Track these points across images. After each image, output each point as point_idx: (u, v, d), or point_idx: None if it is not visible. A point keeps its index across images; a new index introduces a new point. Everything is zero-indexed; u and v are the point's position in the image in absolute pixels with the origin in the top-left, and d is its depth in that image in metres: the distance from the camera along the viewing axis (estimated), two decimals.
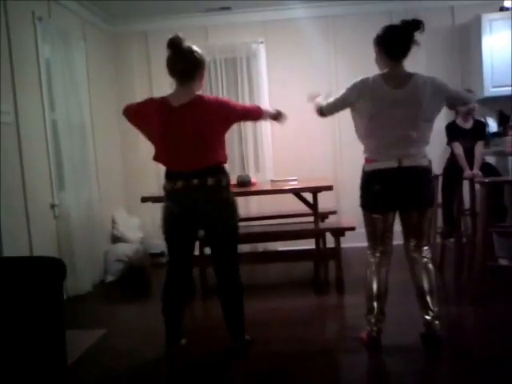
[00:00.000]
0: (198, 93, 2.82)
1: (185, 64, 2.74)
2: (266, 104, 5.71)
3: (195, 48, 2.79)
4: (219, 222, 2.84)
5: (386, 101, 2.76)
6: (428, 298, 2.86)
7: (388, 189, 2.81)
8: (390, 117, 2.77)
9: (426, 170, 2.86)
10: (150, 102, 2.83)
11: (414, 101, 2.74)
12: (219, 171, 2.81)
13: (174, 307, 2.94)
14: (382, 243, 2.92)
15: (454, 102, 3.02)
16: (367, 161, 2.88)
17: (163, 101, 2.79)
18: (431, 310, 2.85)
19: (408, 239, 2.94)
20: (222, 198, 2.82)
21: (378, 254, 2.94)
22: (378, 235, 2.92)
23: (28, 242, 3.89)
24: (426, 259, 2.91)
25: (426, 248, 2.94)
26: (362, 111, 2.83)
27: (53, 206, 4.30)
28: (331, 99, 2.96)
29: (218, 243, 2.90)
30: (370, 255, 2.98)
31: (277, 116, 3.18)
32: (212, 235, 2.90)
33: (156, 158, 2.87)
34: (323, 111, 3.02)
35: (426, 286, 2.87)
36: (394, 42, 2.78)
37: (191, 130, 2.72)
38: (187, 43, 2.77)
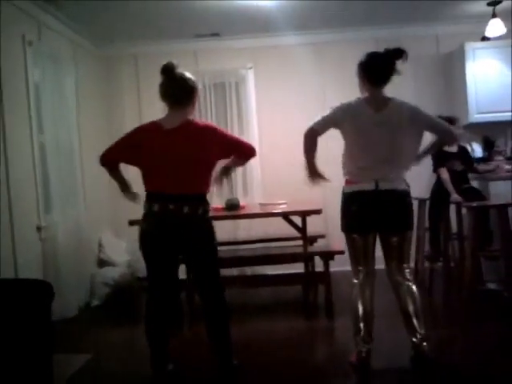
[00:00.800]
0: (189, 118, 2.84)
1: (177, 90, 2.77)
2: (254, 129, 5.77)
3: (188, 75, 2.81)
4: (196, 247, 2.81)
5: (367, 123, 2.84)
6: (414, 321, 2.85)
7: (365, 210, 2.85)
8: (370, 139, 2.83)
9: (403, 193, 2.89)
10: (140, 128, 2.86)
11: (393, 124, 2.82)
12: (197, 200, 2.78)
13: (157, 331, 2.87)
14: (365, 264, 2.95)
15: (436, 132, 2.96)
16: (346, 182, 2.94)
17: (154, 124, 2.81)
18: (418, 332, 2.84)
19: (389, 262, 2.96)
20: (197, 225, 2.78)
21: (361, 275, 2.96)
22: (359, 256, 2.95)
23: (13, 264, 3.82)
24: (408, 282, 2.92)
25: (407, 270, 2.95)
26: (347, 133, 2.89)
27: (39, 228, 4.25)
28: (318, 118, 2.94)
29: (199, 268, 2.88)
30: (353, 276, 2.99)
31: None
32: (191, 260, 2.89)
33: (145, 183, 2.84)
34: (315, 128, 2.92)
35: (411, 309, 2.87)
36: (376, 68, 2.87)
37: (181, 152, 2.72)
38: (180, 69, 2.80)
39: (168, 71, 2.77)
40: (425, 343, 2.83)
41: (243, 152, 2.91)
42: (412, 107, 2.89)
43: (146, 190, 2.82)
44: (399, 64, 2.84)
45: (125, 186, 3.02)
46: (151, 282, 2.89)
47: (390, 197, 2.84)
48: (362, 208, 2.85)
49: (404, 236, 2.91)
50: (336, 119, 2.91)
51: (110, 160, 2.92)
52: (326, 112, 2.95)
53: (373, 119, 2.83)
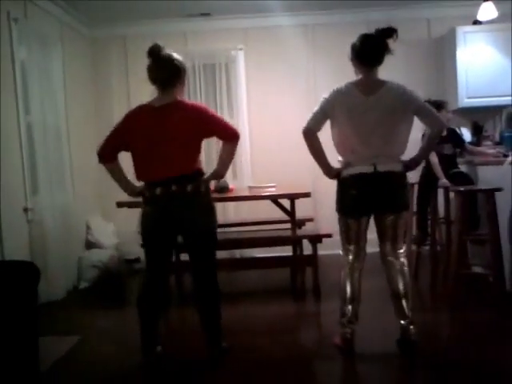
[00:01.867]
0: (179, 98, 2.83)
1: (165, 72, 2.76)
2: (243, 110, 5.73)
3: (175, 56, 2.79)
4: (198, 228, 2.81)
5: (359, 107, 2.82)
6: (403, 302, 2.88)
7: (363, 194, 2.85)
8: (364, 122, 2.82)
9: (401, 174, 2.90)
10: (128, 114, 2.84)
11: (386, 107, 2.81)
12: (198, 177, 2.80)
13: (151, 314, 2.89)
14: (356, 245, 2.96)
15: (425, 119, 2.91)
16: (344, 165, 2.92)
17: (143, 105, 2.81)
18: (406, 314, 2.87)
19: (384, 243, 2.97)
20: (200, 204, 2.80)
21: (351, 256, 2.97)
22: (352, 237, 2.96)
23: (0, 246, 3.80)
24: (401, 262, 2.94)
25: (401, 251, 2.96)
26: (338, 119, 2.87)
27: (26, 210, 4.22)
28: (311, 116, 2.92)
29: (197, 249, 2.88)
30: (343, 256, 3.01)
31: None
32: (190, 241, 2.87)
33: (137, 173, 2.82)
34: (310, 127, 2.89)
35: (401, 289, 2.89)
36: (368, 49, 2.85)
37: (171, 129, 2.71)
38: (167, 51, 2.77)
39: (155, 53, 2.75)
40: (412, 326, 2.86)
41: (226, 133, 2.84)
42: (406, 91, 2.86)
43: (143, 180, 2.81)
44: (391, 43, 2.83)
45: (127, 184, 2.93)
46: (150, 266, 2.88)
47: (387, 178, 2.84)
48: (361, 191, 2.85)
49: (399, 216, 2.91)
50: (326, 110, 2.88)
51: (107, 154, 2.85)
52: (316, 106, 2.92)
53: (362, 103, 2.81)
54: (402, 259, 2.95)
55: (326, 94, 2.91)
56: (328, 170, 2.98)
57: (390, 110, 2.81)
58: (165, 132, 2.71)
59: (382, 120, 2.81)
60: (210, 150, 5.38)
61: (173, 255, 2.95)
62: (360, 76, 2.90)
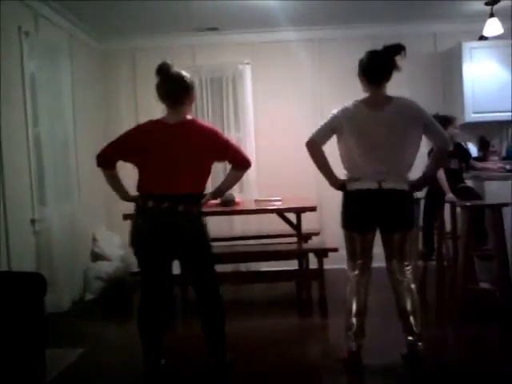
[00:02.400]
0: (189, 116, 2.85)
1: (175, 90, 2.77)
2: (250, 124, 5.76)
3: (184, 73, 2.82)
4: (191, 245, 2.81)
5: (366, 123, 2.83)
6: (411, 320, 2.86)
7: (367, 209, 2.85)
8: (371, 138, 2.82)
9: (406, 193, 2.89)
10: (140, 127, 2.85)
11: (394, 123, 2.81)
12: (193, 199, 2.78)
13: (149, 327, 2.86)
14: (362, 260, 2.95)
15: (433, 136, 2.93)
16: (349, 180, 2.92)
17: (155, 121, 2.82)
18: (414, 331, 2.85)
19: (390, 260, 2.96)
20: (191, 224, 2.78)
21: (356, 271, 2.96)
22: (357, 252, 2.95)
23: (6, 257, 3.81)
24: (408, 280, 2.92)
25: (408, 268, 2.95)
26: (345, 135, 2.88)
27: (33, 221, 4.24)
28: (317, 129, 2.94)
29: (194, 266, 2.88)
30: (349, 271, 3.00)
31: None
32: (186, 259, 2.89)
33: (139, 185, 2.83)
34: (314, 139, 2.92)
35: (409, 307, 2.87)
36: (375, 66, 2.86)
37: (184, 146, 2.73)
38: (176, 68, 2.80)
39: (163, 71, 2.77)
40: (420, 343, 2.84)
41: (240, 161, 2.87)
42: (414, 106, 2.87)
43: (141, 191, 2.81)
44: (398, 60, 2.83)
45: (123, 193, 2.98)
46: (143, 278, 2.87)
47: (392, 196, 2.83)
48: (365, 207, 2.85)
49: (405, 234, 2.91)
50: (333, 126, 2.90)
51: (108, 159, 2.88)
52: (325, 120, 2.94)
53: (370, 118, 2.82)
54: (409, 276, 2.94)
55: (334, 111, 2.92)
56: (333, 181, 2.98)
57: (397, 126, 2.81)
58: (179, 148, 2.72)
59: (388, 136, 2.81)
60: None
61: (169, 269, 2.90)
62: (368, 93, 2.90)
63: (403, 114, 2.82)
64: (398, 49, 2.82)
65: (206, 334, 2.88)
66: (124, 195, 2.98)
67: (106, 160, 2.88)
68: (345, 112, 2.88)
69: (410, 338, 2.85)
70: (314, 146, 2.92)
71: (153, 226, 2.74)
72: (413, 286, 2.92)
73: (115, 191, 2.99)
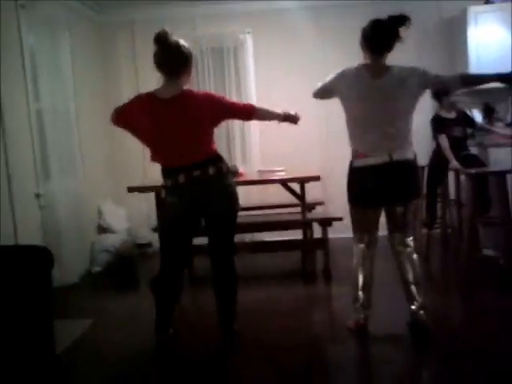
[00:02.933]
0: (186, 87, 2.81)
1: (172, 59, 2.73)
2: (252, 93, 5.71)
3: (182, 42, 2.76)
4: (221, 211, 2.82)
5: (367, 90, 2.80)
6: (413, 289, 2.88)
7: (379, 185, 2.82)
8: (374, 108, 2.79)
9: (413, 162, 2.88)
10: (137, 100, 2.80)
11: (393, 89, 2.78)
12: (218, 160, 2.80)
13: (169, 299, 2.91)
14: (368, 234, 2.96)
15: (432, 82, 2.90)
16: (357, 156, 2.87)
17: (151, 95, 2.77)
18: (416, 300, 2.87)
19: (393, 232, 2.97)
20: (224, 185, 2.81)
21: (363, 244, 2.98)
22: (364, 227, 2.96)
23: (13, 232, 3.84)
24: (410, 250, 2.94)
25: (410, 239, 2.96)
26: (348, 100, 2.87)
27: (38, 196, 4.25)
28: (320, 83, 2.98)
29: (217, 232, 2.89)
30: (355, 244, 3.01)
31: (288, 118, 3.13)
32: (212, 224, 2.88)
33: (153, 159, 2.84)
34: (314, 96, 3.06)
35: (411, 276, 2.89)
36: (378, 36, 2.81)
37: (183, 121, 2.71)
38: (174, 37, 2.74)
39: (162, 39, 2.71)
40: (422, 311, 2.86)
41: (242, 115, 2.97)
42: (409, 67, 2.84)
43: (162, 166, 2.82)
44: (402, 31, 2.77)
45: None
46: (167, 250, 2.88)
47: (402, 168, 2.81)
48: (377, 182, 2.81)
49: (409, 205, 2.91)
50: (333, 86, 2.90)
51: (119, 122, 2.86)
52: (326, 79, 2.94)
53: (372, 85, 2.80)
54: (411, 247, 2.95)
55: (334, 73, 2.91)
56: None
57: (396, 92, 2.78)
58: (180, 122, 2.70)
59: (388, 104, 2.78)
60: (216, 136, 5.36)
61: (192, 240, 2.96)
62: (368, 61, 2.87)
63: (401, 80, 2.79)
64: (403, 20, 2.76)
65: (218, 301, 2.92)
66: None
67: (118, 122, 2.87)
68: (346, 75, 2.86)
69: (413, 306, 2.88)
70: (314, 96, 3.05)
71: (191, 201, 2.76)
72: (415, 255, 2.93)
73: None
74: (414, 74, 2.81)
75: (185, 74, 2.79)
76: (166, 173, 2.82)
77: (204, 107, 2.75)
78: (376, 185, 2.82)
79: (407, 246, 2.94)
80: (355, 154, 2.89)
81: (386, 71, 2.82)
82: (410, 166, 2.85)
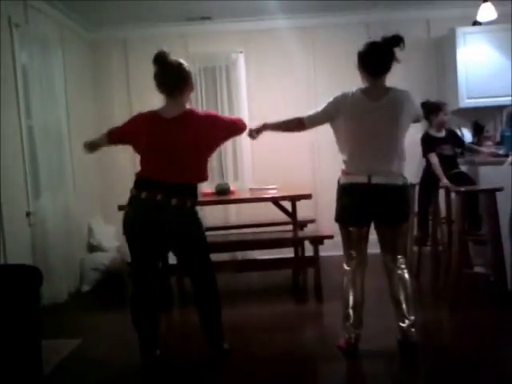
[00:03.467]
0: (188, 106, 2.84)
1: (173, 77, 2.75)
2: (245, 112, 5.75)
3: (182, 61, 2.80)
4: (184, 239, 2.81)
5: (363, 113, 2.82)
6: (404, 307, 2.88)
7: (358, 203, 2.85)
8: (366, 129, 2.82)
9: (398, 187, 2.85)
10: (140, 117, 2.85)
11: (390, 113, 2.81)
12: (188, 191, 2.77)
13: (143, 317, 2.88)
14: (357, 252, 2.96)
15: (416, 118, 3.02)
16: (343, 173, 2.92)
17: (154, 113, 2.80)
18: (407, 318, 2.87)
19: (384, 252, 2.98)
20: (184, 218, 2.78)
21: (353, 263, 2.97)
22: (352, 245, 2.96)
23: (2, 250, 3.82)
24: (401, 270, 2.94)
25: (401, 260, 2.96)
26: (342, 124, 2.88)
27: (28, 214, 4.23)
28: (312, 112, 2.96)
29: (188, 258, 2.89)
30: (345, 263, 3.01)
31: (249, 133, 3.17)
32: (179, 252, 2.88)
33: (139, 171, 2.84)
34: (305, 123, 2.97)
35: (401, 296, 2.89)
36: (375, 59, 2.84)
37: (182, 142, 2.72)
38: (173, 57, 2.78)
39: (161, 60, 2.75)
40: (412, 329, 2.86)
41: (239, 131, 2.98)
42: (410, 97, 2.87)
43: (139, 174, 2.80)
44: (397, 51, 2.81)
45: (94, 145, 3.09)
46: (134, 268, 2.88)
47: (382, 191, 2.81)
48: (356, 200, 2.84)
49: (398, 229, 2.92)
50: (331, 112, 2.89)
51: (114, 142, 2.98)
52: (322, 105, 2.93)
53: (369, 108, 2.81)
54: (403, 266, 2.95)
55: (334, 96, 2.91)
56: (259, 130, 3.18)
57: (393, 117, 2.81)
58: (179, 143, 2.71)
59: (384, 127, 2.81)
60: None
61: (159, 258, 2.95)
62: (366, 84, 2.89)
63: (399, 104, 2.82)
64: (397, 40, 2.79)
65: (203, 323, 2.90)
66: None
67: (112, 140, 2.97)
68: (343, 99, 2.87)
69: (402, 324, 2.87)
70: (298, 126, 3.01)
71: (142, 219, 2.73)
72: (406, 275, 2.94)
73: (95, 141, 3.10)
74: (411, 104, 2.87)
75: (186, 91, 2.82)
76: (135, 182, 2.79)
77: (206, 128, 2.76)
78: (354, 203, 2.85)
79: (399, 265, 2.94)
80: (343, 170, 2.91)
81: (385, 94, 2.83)
82: (391, 189, 2.84)
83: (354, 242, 2.95)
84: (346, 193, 2.88)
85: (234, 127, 2.93)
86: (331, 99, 2.91)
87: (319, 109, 2.95)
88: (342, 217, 2.95)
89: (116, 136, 2.97)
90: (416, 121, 3.02)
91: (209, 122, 2.78)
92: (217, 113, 2.98)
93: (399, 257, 2.95)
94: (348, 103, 2.85)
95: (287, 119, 3.08)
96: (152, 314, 2.90)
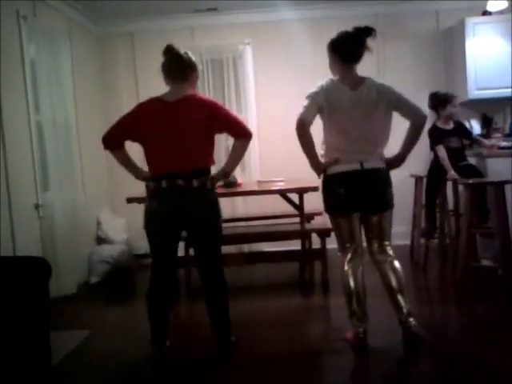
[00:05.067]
0: (190, 92, 2.85)
1: (180, 64, 2.81)
2: (252, 104, 5.73)
3: (190, 53, 2.87)
4: (203, 223, 2.83)
5: (345, 101, 2.82)
6: (399, 297, 2.86)
7: (351, 192, 2.84)
8: (349, 117, 2.82)
9: (385, 171, 2.89)
10: (140, 105, 2.86)
11: (369, 101, 2.81)
12: (205, 173, 2.80)
13: (160, 309, 2.92)
14: (352, 242, 2.94)
15: (405, 112, 2.87)
16: (328, 164, 2.89)
17: (155, 98, 2.83)
18: (403, 307, 2.84)
19: (370, 241, 2.96)
20: (206, 200, 2.81)
21: (349, 255, 2.96)
22: (346, 235, 2.95)
23: (11, 243, 3.85)
24: (390, 258, 2.92)
25: (389, 247, 2.95)
26: (326, 114, 2.87)
27: (37, 207, 4.26)
28: (303, 110, 2.88)
29: (202, 245, 2.90)
30: (341, 256, 3.00)
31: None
32: (196, 237, 2.89)
33: (148, 164, 2.84)
34: (303, 118, 2.85)
35: (394, 284, 2.86)
36: (348, 46, 2.87)
37: (184, 124, 2.74)
38: (182, 50, 2.84)
39: (169, 50, 2.82)
40: (411, 319, 2.83)
41: (239, 130, 2.86)
42: (385, 85, 2.88)
43: (150, 172, 2.83)
44: (369, 41, 2.85)
45: (135, 170, 2.96)
46: (156, 260, 2.89)
47: (374, 176, 2.84)
48: (349, 189, 2.83)
49: (385, 213, 2.91)
50: (319, 102, 2.87)
51: (113, 140, 2.89)
52: (306, 101, 2.90)
53: (350, 97, 2.82)
54: (391, 253, 2.93)
55: (313, 89, 2.91)
56: (317, 165, 2.95)
57: (373, 105, 2.81)
58: (179, 127, 2.73)
59: (367, 114, 2.81)
60: (218, 149, 5.37)
61: (177, 250, 2.95)
62: (340, 73, 2.91)
63: (377, 91, 2.83)
64: (368, 31, 2.84)
65: (211, 313, 2.92)
66: (138, 173, 2.96)
67: (112, 142, 2.90)
68: (324, 90, 2.87)
69: (400, 315, 2.85)
70: (303, 128, 2.84)
71: (170, 208, 2.76)
72: (396, 262, 2.91)
73: (129, 171, 2.97)
74: (392, 94, 2.85)
75: (191, 78, 2.85)
76: (151, 177, 2.81)
77: (206, 110, 2.77)
78: (347, 192, 2.83)
79: (387, 253, 2.93)
80: (327, 162, 2.90)
81: (362, 82, 2.86)
82: (381, 174, 2.87)
83: (347, 231, 2.93)
84: (336, 182, 2.86)
85: (234, 126, 2.85)
86: (312, 92, 2.89)
87: (305, 103, 2.89)
88: (331, 207, 2.94)
89: (116, 134, 2.87)
90: (396, 108, 2.87)
91: (207, 107, 2.78)
92: (221, 104, 2.94)
93: (386, 243, 2.94)
94: (330, 94, 2.85)
95: (305, 146, 2.91)
96: (168, 306, 2.94)
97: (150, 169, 2.84)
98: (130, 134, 2.85)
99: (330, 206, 2.95)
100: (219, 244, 2.93)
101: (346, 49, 2.88)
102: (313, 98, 2.89)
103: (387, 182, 2.91)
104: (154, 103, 2.82)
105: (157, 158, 2.80)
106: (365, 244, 2.99)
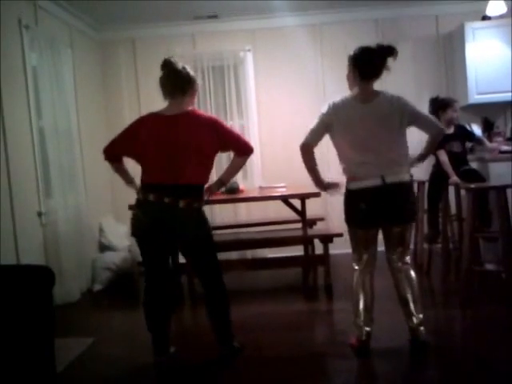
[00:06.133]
0: (189, 108, 2.86)
1: (177, 78, 2.80)
2: (253, 111, 5.75)
3: (188, 68, 2.86)
4: (192, 243, 2.85)
5: (357, 115, 2.83)
6: (412, 306, 2.90)
7: (373, 207, 2.84)
8: (364, 130, 2.82)
9: (408, 185, 2.89)
10: (140, 119, 2.88)
11: (384, 114, 2.82)
12: (193, 192, 2.79)
13: (156, 316, 2.92)
14: (367, 253, 2.96)
15: (422, 126, 2.91)
16: (350, 179, 2.91)
17: (155, 113, 2.84)
18: (415, 316, 2.88)
19: (390, 251, 2.97)
20: (192, 220, 2.80)
21: (362, 264, 2.98)
22: (362, 246, 2.97)
23: (15, 250, 3.86)
24: (406, 267, 2.95)
25: (408, 257, 2.98)
26: (340, 131, 2.88)
27: (40, 214, 4.27)
28: (309, 131, 2.93)
29: (196, 261, 2.93)
30: (354, 264, 3.02)
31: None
32: (187, 254, 2.95)
33: (142, 176, 2.85)
34: (308, 142, 2.92)
35: (409, 295, 2.91)
36: (369, 63, 2.85)
37: (182, 139, 2.73)
38: (180, 64, 2.84)
39: (168, 64, 2.81)
40: (421, 328, 2.87)
41: (240, 148, 2.89)
42: (400, 97, 2.88)
43: (143, 182, 2.84)
44: (389, 61, 2.84)
45: (129, 180, 3.06)
46: (146, 268, 2.92)
47: (396, 190, 2.83)
48: (370, 204, 2.83)
49: (407, 227, 2.93)
50: (326, 123, 2.89)
51: (113, 154, 2.94)
52: (315, 121, 2.92)
53: (360, 111, 2.83)
54: (408, 264, 2.96)
55: (323, 109, 2.92)
56: (320, 183, 3.05)
57: (385, 118, 2.82)
58: (177, 140, 2.73)
59: (381, 126, 2.81)
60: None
61: (168, 260, 2.96)
62: (356, 88, 2.90)
63: (391, 104, 2.83)
64: (391, 50, 2.82)
65: (212, 321, 2.93)
66: (128, 181, 3.06)
67: (111, 156, 2.95)
68: (335, 108, 2.88)
69: (411, 323, 2.89)
70: (307, 150, 2.94)
71: (152, 221, 2.76)
72: (412, 272, 2.95)
73: (121, 177, 3.08)
74: (405, 105, 2.85)
75: (189, 95, 2.84)
76: (142, 188, 2.82)
77: (206, 127, 2.77)
78: (370, 207, 2.84)
79: (405, 263, 2.95)
80: (350, 176, 2.90)
81: (375, 96, 2.86)
82: (405, 188, 2.86)
83: (363, 242, 2.95)
84: (357, 197, 2.87)
85: (237, 144, 2.86)
86: (322, 112, 2.91)
87: (313, 125, 2.93)
88: (352, 220, 2.95)
89: (116, 148, 2.91)
90: (412, 122, 2.90)
91: (209, 125, 2.79)
92: (221, 121, 2.95)
93: (406, 252, 2.96)
94: (341, 110, 2.86)
95: (308, 165, 3.03)
96: (164, 313, 2.94)
97: (143, 177, 2.84)
98: (129, 149, 2.86)
99: (351, 218, 2.95)
100: (213, 256, 2.93)
101: (367, 66, 2.85)
102: (321, 118, 2.91)
103: (409, 196, 2.90)
104: (153, 116, 2.83)
105: (151, 168, 2.80)
106: (382, 248, 2.99)
